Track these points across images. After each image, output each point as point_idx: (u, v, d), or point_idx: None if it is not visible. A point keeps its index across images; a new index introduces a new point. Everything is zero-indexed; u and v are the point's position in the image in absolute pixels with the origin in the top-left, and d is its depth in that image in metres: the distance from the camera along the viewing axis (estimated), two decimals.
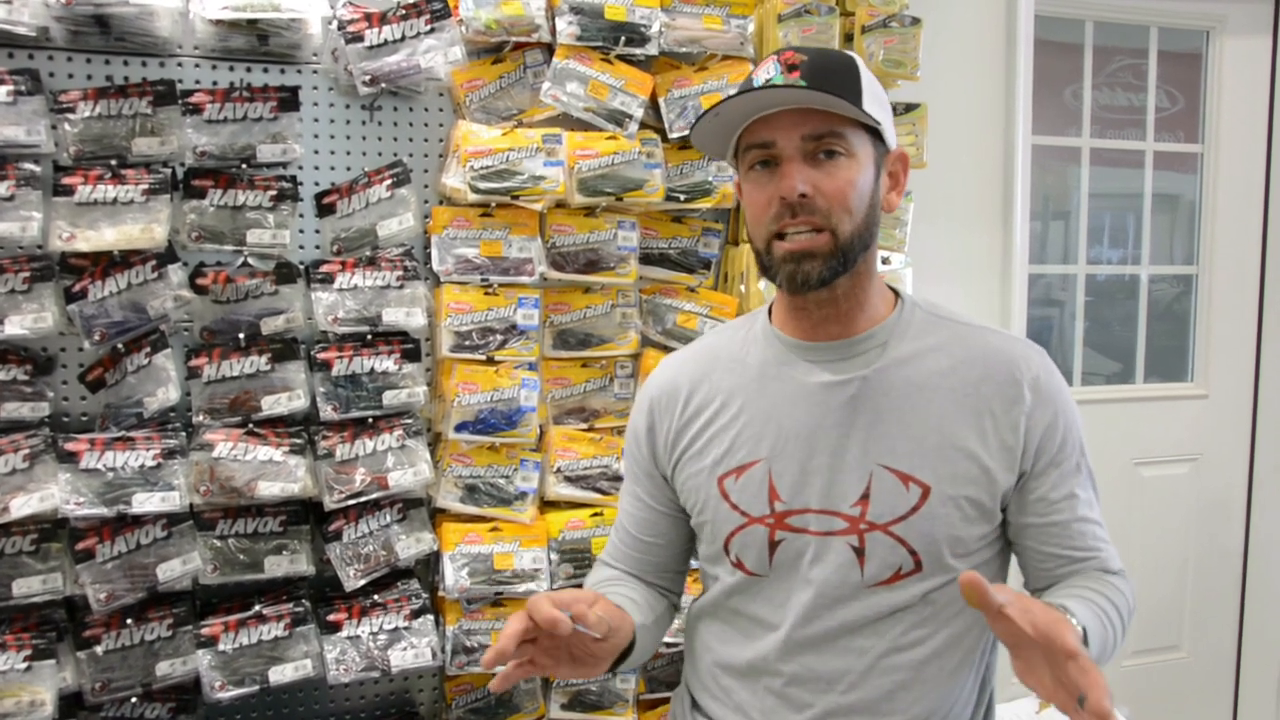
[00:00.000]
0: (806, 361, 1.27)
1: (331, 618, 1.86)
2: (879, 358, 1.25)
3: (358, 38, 1.86)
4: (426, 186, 2.01)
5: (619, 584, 1.42)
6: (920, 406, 1.22)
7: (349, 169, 1.95)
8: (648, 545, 1.43)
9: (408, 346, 1.92)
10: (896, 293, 1.32)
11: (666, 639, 2.01)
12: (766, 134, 1.18)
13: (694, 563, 1.46)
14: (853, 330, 1.26)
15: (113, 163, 1.73)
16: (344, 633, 1.86)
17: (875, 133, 1.21)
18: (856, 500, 1.22)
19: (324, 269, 1.88)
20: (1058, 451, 1.23)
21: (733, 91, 1.24)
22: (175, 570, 1.75)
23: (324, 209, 1.92)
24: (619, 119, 2.04)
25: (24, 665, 1.65)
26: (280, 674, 1.80)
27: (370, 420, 1.89)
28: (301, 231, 1.92)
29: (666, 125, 2.08)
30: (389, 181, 1.93)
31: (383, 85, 1.88)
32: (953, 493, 1.20)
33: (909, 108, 2.31)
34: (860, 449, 1.22)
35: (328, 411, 1.85)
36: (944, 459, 1.21)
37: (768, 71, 1.18)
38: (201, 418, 1.79)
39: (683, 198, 2.09)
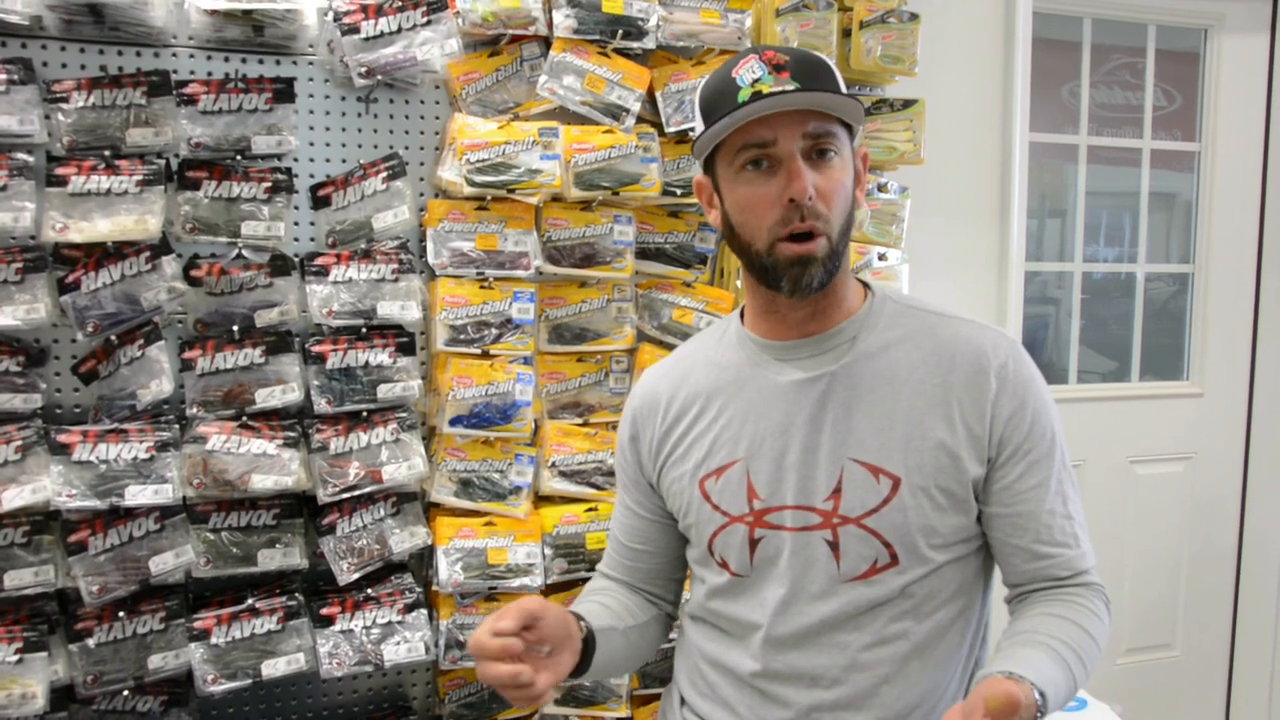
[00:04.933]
0: (778, 360, 1.29)
1: (325, 611, 1.86)
2: (848, 352, 1.26)
3: (354, 29, 1.85)
4: (422, 179, 2.00)
5: (598, 594, 1.45)
6: (888, 399, 1.23)
7: (344, 161, 1.94)
8: (638, 553, 1.45)
9: (402, 340, 1.92)
10: (866, 285, 1.33)
11: None
12: (766, 134, 1.18)
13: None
14: (824, 326, 1.27)
15: (106, 153, 1.72)
16: (337, 626, 1.85)
17: (849, 129, 1.23)
18: (829, 495, 1.22)
19: (319, 262, 1.87)
20: (1024, 440, 1.22)
21: (712, 89, 1.22)
22: (168, 563, 1.74)
23: (319, 201, 1.91)
24: (616, 113, 2.03)
25: (15, 658, 1.64)
26: (273, 668, 1.79)
27: (364, 414, 1.88)
28: (296, 224, 1.91)
29: (664, 119, 2.08)
30: (384, 174, 1.92)
31: (379, 77, 1.87)
32: (923, 483, 1.21)
33: (907, 103, 2.31)
34: (831, 444, 1.23)
35: (322, 405, 1.84)
36: (913, 450, 1.21)
37: (752, 71, 1.17)
38: (195, 410, 1.79)
39: (679, 192, 2.09)
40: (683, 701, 1.39)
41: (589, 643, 1.28)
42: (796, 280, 1.20)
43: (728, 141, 1.21)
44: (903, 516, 1.20)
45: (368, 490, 1.86)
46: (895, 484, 1.20)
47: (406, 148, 1.98)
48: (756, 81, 1.16)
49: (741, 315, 1.36)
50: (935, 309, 1.31)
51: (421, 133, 2.00)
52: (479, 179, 1.91)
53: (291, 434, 1.83)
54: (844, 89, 1.23)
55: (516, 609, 1.15)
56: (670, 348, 2.07)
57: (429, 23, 1.89)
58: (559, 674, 1.21)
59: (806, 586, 1.23)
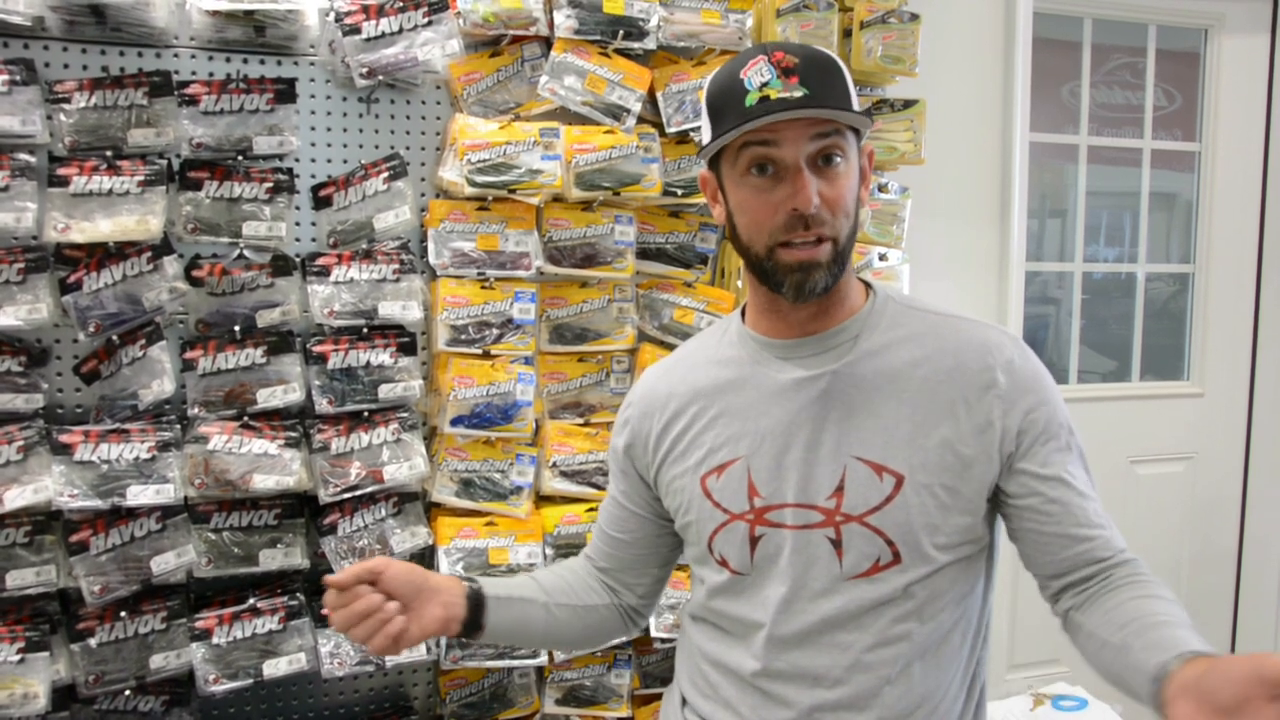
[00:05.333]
0: (779, 359, 1.28)
1: (326, 611, 1.85)
2: (850, 351, 1.26)
3: (355, 30, 1.85)
4: (423, 179, 2.00)
5: (547, 569, 1.49)
6: (891, 397, 1.23)
7: (345, 161, 1.94)
8: (616, 541, 1.46)
9: (404, 340, 1.92)
10: (868, 285, 1.33)
11: (660, 634, 2.03)
12: (772, 139, 1.17)
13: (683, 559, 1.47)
14: (826, 325, 1.27)
15: (108, 154, 1.72)
16: None
17: (857, 131, 1.23)
18: (831, 493, 1.22)
19: (320, 262, 1.87)
20: (1043, 431, 1.22)
21: (719, 89, 1.22)
22: (169, 563, 1.74)
23: (320, 201, 1.92)
24: (616, 113, 2.03)
25: (17, 657, 1.65)
26: (274, 667, 1.80)
27: (366, 414, 1.88)
28: (298, 224, 1.91)
29: (664, 120, 2.08)
30: (386, 174, 1.92)
31: (380, 78, 1.88)
32: (926, 481, 1.20)
33: (907, 104, 2.31)
34: (834, 442, 1.23)
35: (323, 405, 1.84)
36: (916, 448, 1.21)
37: (761, 74, 1.16)
38: (196, 410, 1.79)
39: (680, 192, 2.09)
40: (684, 702, 1.40)
41: (477, 604, 1.32)
42: (800, 286, 1.19)
43: (732, 142, 1.20)
44: (906, 514, 1.20)
45: (369, 490, 1.86)
46: (898, 481, 1.20)
47: (408, 148, 1.98)
48: (765, 85, 1.15)
49: (743, 314, 1.36)
50: (937, 309, 1.31)
51: (423, 133, 2.00)
52: (480, 179, 1.91)
53: (293, 434, 1.83)
54: (853, 89, 1.21)
55: (355, 567, 1.23)
56: (671, 348, 2.07)
57: (430, 23, 1.89)
58: (423, 624, 1.26)
59: (808, 584, 1.23)
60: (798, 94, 1.14)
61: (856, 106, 1.20)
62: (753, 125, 1.15)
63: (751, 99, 1.16)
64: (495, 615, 1.34)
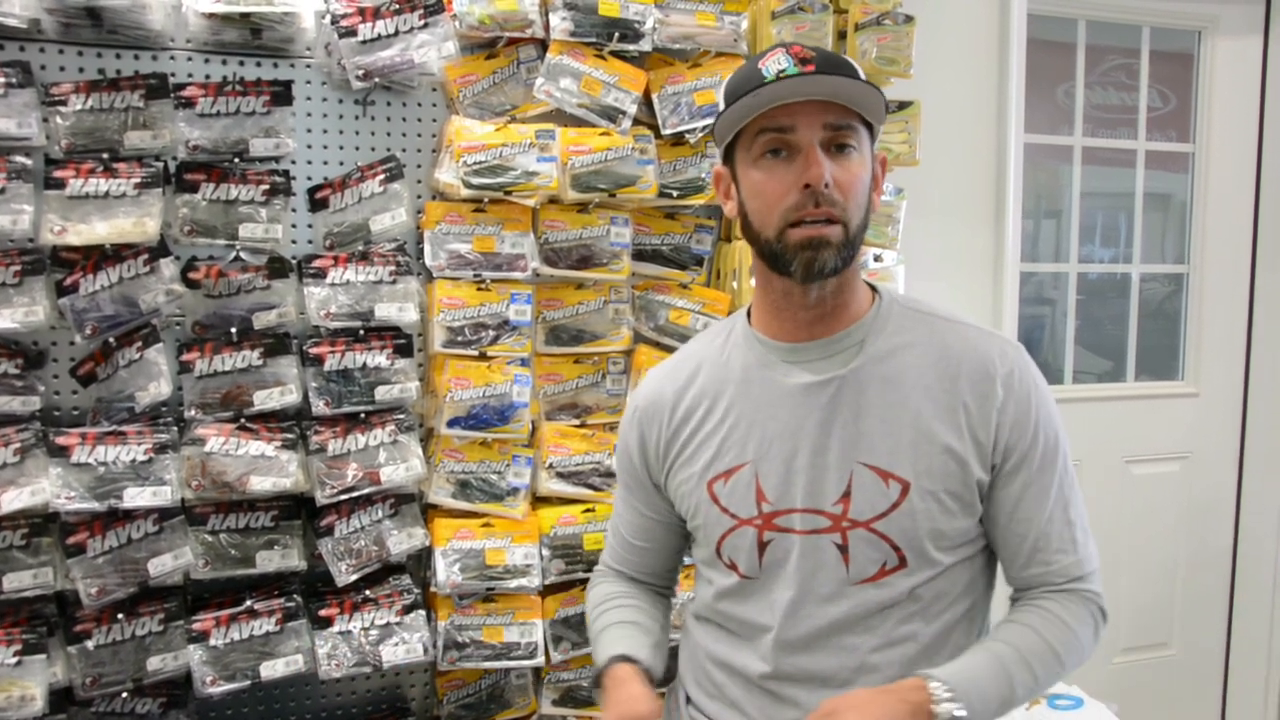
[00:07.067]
0: (786, 363, 1.29)
1: (323, 613, 1.86)
2: (856, 356, 1.26)
3: (351, 32, 1.85)
4: (419, 181, 2.01)
5: (625, 607, 1.45)
6: (897, 403, 1.24)
7: (342, 163, 1.95)
8: (643, 550, 1.47)
9: (400, 342, 1.92)
10: (874, 289, 1.34)
11: None
12: (786, 121, 1.18)
13: (688, 559, 1.48)
14: (833, 329, 1.28)
15: (105, 156, 1.72)
16: (335, 628, 1.85)
17: (870, 130, 1.24)
18: (838, 499, 1.23)
19: (316, 264, 1.87)
20: (1029, 448, 1.24)
21: (737, 79, 1.23)
22: (166, 565, 1.74)
23: (317, 203, 1.92)
24: (612, 115, 2.04)
25: (14, 660, 1.64)
26: (271, 669, 1.80)
27: (362, 415, 1.89)
28: (294, 226, 1.91)
29: (660, 122, 2.09)
30: (382, 176, 1.93)
31: (376, 80, 1.88)
32: (931, 487, 1.22)
33: (902, 105, 2.32)
34: (840, 448, 1.24)
35: (320, 406, 1.85)
36: (921, 454, 1.22)
37: (779, 63, 1.18)
38: (193, 412, 1.79)
39: (675, 194, 2.09)
40: (688, 700, 1.40)
41: (653, 680, 1.34)
42: (809, 265, 1.19)
43: (748, 129, 1.21)
44: (911, 520, 1.21)
45: (366, 492, 1.86)
46: (904, 488, 1.21)
47: (404, 150, 1.98)
48: (781, 72, 1.17)
49: (748, 316, 1.36)
50: (943, 314, 1.31)
51: (419, 135, 2.00)
52: (476, 181, 1.92)
53: (290, 436, 1.83)
54: None
55: None
56: (667, 349, 2.08)
57: (426, 25, 1.90)
58: None
59: (816, 589, 1.24)
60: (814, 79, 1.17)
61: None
62: (769, 95, 1.16)
63: (769, 82, 1.17)
64: (656, 671, 1.37)
